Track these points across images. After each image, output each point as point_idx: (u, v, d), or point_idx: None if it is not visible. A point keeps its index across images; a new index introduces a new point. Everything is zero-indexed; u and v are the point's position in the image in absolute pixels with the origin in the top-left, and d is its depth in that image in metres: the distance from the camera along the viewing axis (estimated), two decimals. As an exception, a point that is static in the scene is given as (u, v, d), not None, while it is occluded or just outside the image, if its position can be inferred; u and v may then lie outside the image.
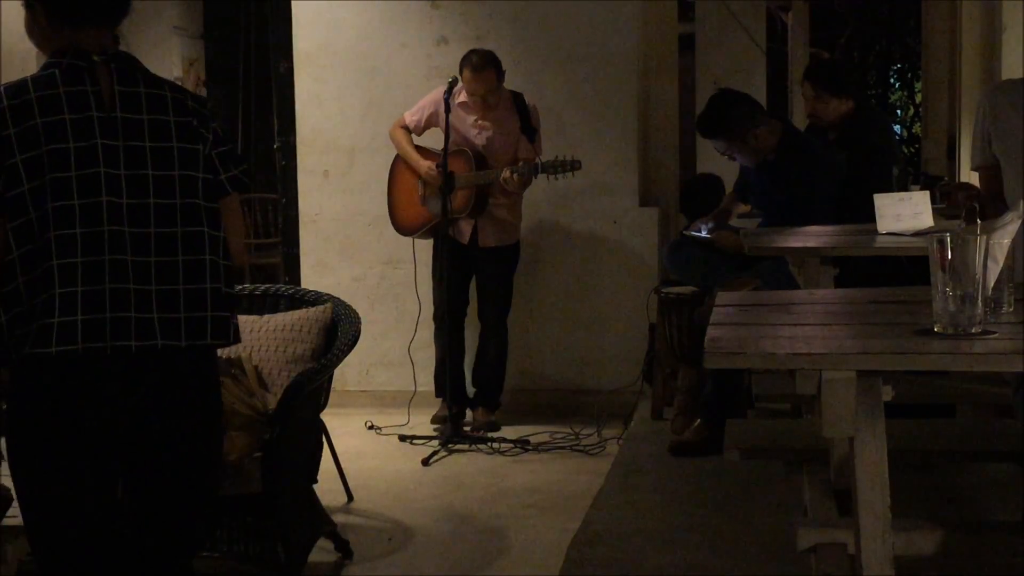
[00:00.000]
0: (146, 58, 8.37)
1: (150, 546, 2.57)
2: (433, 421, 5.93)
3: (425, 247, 6.05)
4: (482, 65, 5.66)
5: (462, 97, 5.74)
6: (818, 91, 5.49)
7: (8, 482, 2.66)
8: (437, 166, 5.68)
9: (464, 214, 5.72)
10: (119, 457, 2.51)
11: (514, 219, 5.94)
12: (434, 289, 5.98)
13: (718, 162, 7.01)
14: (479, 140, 5.78)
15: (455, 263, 5.79)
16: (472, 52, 5.74)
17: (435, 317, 5.99)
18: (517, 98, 5.82)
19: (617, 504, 4.51)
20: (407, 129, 5.89)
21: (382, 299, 6.32)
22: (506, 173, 5.61)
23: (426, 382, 6.17)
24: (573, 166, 5.68)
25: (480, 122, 5.77)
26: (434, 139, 5.91)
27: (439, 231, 5.80)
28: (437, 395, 6.00)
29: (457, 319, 5.93)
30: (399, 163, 5.98)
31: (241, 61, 9.81)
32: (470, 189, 5.69)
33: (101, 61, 2.54)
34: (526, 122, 5.80)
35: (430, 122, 5.86)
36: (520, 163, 5.68)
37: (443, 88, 5.79)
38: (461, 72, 5.69)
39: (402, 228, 5.99)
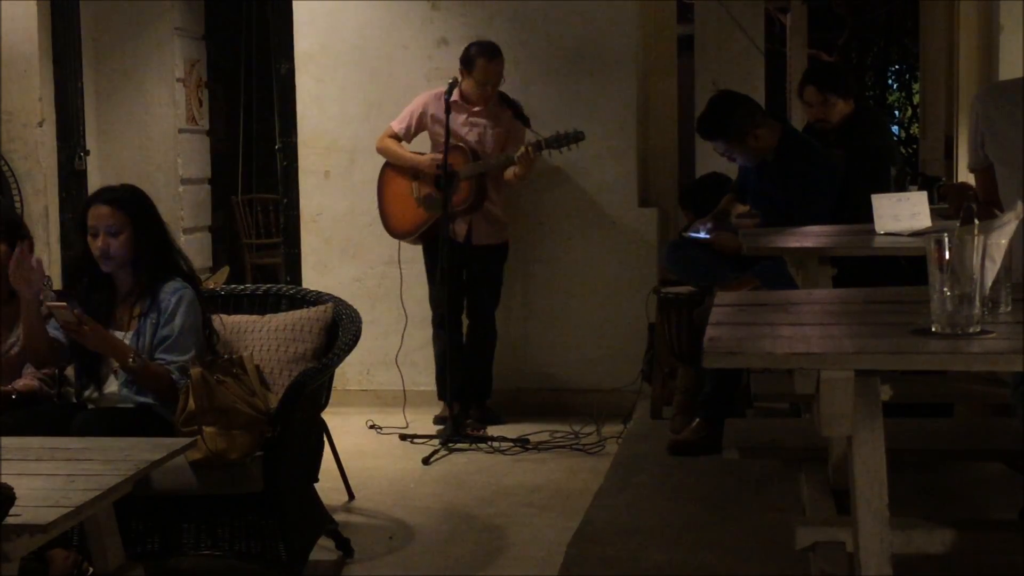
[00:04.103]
0: (148, 59, 8.42)
1: None
2: (436, 422, 5.96)
3: (412, 256, 6.09)
4: (496, 52, 5.77)
5: (452, 96, 5.75)
6: (824, 94, 5.50)
7: (9, 480, 2.67)
8: (438, 166, 5.70)
9: (464, 207, 5.75)
10: None
11: (506, 217, 6.01)
12: (431, 291, 6.00)
13: (718, 162, 7.02)
14: (471, 136, 5.82)
15: (451, 262, 5.78)
16: (479, 43, 5.81)
17: (433, 319, 6.02)
18: (502, 95, 5.88)
19: (616, 503, 4.53)
20: (396, 139, 5.95)
21: (383, 299, 6.34)
22: (522, 150, 5.66)
23: (425, 382, 6.19)
24: (576, 137, 5.73)
25: (471, 119, 5.82)
26: (421, 146, 5.95)
27: (431, 234, 5.82)
28: (440, 397, 6.00)
29: (456, 318, 5.96)
30: (388, 171, 6.01)
31: (243, 62, 9.81)
32: (470, 182, 5.73)
33: None
34: (517, 112, 5.86)
35: (420, 126, 5.92)
36: (528, 144, 5.72)
37: (431, 92, 5.87)
38: (473, 63, 5.73)
39: (398, 232, 6.02)
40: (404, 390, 6.24)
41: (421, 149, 5.98)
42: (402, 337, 6.23)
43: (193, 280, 4.01)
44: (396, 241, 6.12)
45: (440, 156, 5.74)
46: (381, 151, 5.99)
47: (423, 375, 6.23)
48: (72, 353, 3.91)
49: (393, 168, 6.00)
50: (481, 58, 5.73)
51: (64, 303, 3.79)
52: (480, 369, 6.04)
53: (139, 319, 3.89)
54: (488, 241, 5.92)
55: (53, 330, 3.86)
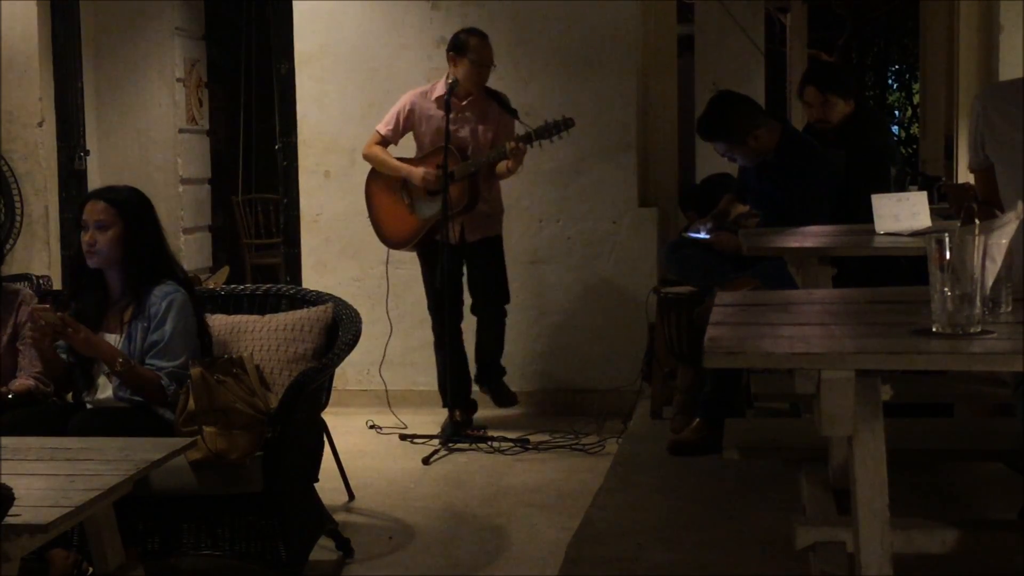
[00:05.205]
0: (148, 59, 8.42)
1: None
2: (443, 430, 5.80)
3: (408, 257, 6.06)
4: (484, 33, 5.72)
5: (438, 92, 5.70)
6: (825, 94, 5.50)
7: (9, 480, 2.67)
8: (437, 166, 5.65)
9: (459, 209, 5.66)
10: None
11: (495, 211, 5.89)
12: (428, 300, 5.92)
13: (718, 162, 7.03)
14: (461, 134, 5.72)
15: (448, 267, 5.69)
16: (464, 28, 5.76)
17: (433, 327, 5.94)
18: (486, 88, 5.80)
19: (616, 503, 4.53)
20: (384, 143, 5.84)
21: (383, 299, 6.33)
22: (512, 144, 5.56)
23: (425, 382, 6.17)
24: (566, 124, 5.58)
25: (460, 115, 5.72)
26: (407, 149, 5.90)
27: (427, 239, 5.75)
28: (444, 405, 5.91)
29: (456, 326, 5.84)
30: (374, 181, 5.90)
31: (242, 62, 9.82)
32: (463, 184, 5.63)
33: None
34: (505, 105, 5.78)
35: (407, 125, 5.83)
36: (516, 137, 5.63)
37: (416, 91, 5.82)
38: (466, 45, 5.64)
39: (395, 242, 5.90)
40: (387, 390, 6.24)
41: (406, 151, 5.91)
42: (385, 348, 6.17)
43: (187, 285, 4.00)
44: (395, 242, 6.10)
45: (430, 171, 5.63)
46: (368, 158, 5.87)
47: (423, 375, 6.23)
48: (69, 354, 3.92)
49: (379, 177, 5.87)
50: (474, 38, 5.66)
51: (48, 305, 3.79)
52: (494, 352, 5.94)
53: (129, 323, 3.89)
54: (481, 235, 5.80)
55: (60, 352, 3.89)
